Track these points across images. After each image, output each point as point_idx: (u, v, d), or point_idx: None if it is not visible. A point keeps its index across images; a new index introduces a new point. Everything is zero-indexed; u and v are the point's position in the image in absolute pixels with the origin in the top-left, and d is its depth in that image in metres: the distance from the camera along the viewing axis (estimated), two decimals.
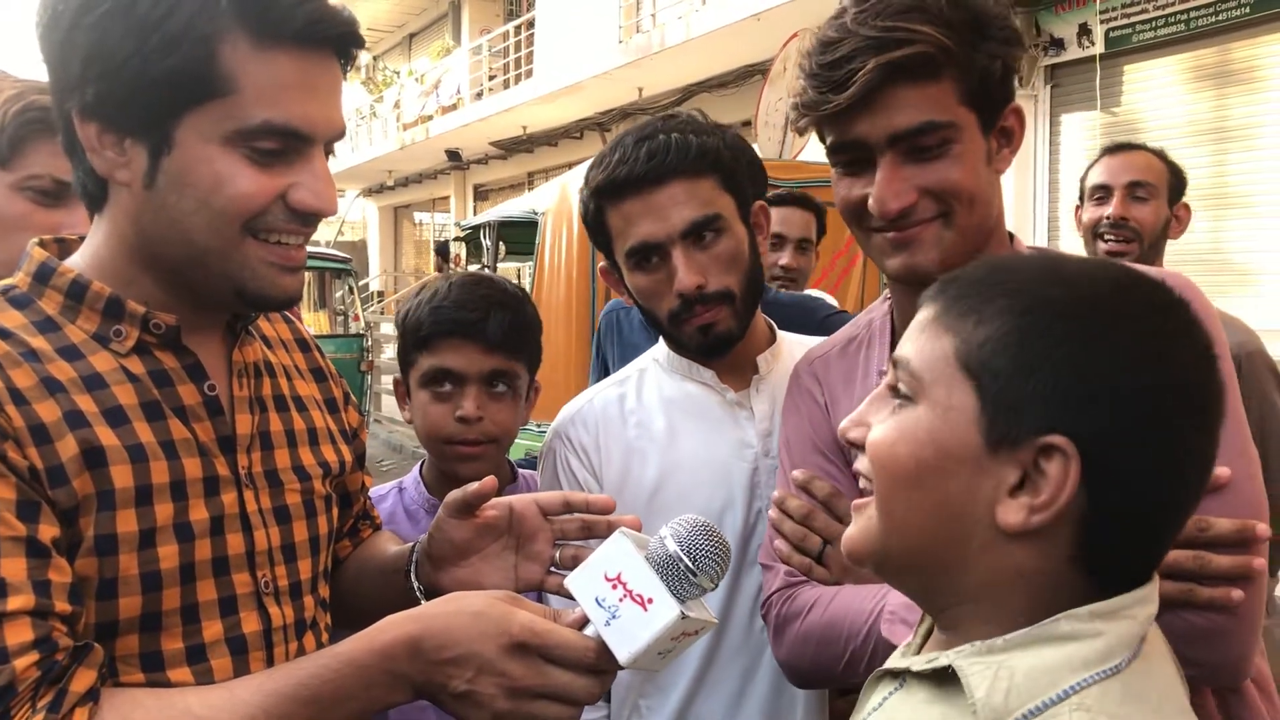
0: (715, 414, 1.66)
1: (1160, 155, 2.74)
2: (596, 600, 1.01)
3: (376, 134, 23.43)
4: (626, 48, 13.07)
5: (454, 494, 1.26)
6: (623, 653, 0.99)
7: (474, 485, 1.24)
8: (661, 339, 1.73)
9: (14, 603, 0.92)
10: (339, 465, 1.31)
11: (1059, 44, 8.55)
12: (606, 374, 2.62)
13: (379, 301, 21.67)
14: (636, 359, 1.80)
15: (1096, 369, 0.78)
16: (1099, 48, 8.16)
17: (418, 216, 27.41)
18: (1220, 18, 7.45)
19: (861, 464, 0.91)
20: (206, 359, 1.15)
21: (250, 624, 1.13)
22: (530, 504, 1.29)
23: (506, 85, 17.56)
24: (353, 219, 28.03)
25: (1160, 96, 8.07)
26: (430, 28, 24.06)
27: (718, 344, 1.60)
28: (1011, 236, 1.39)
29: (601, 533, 1.23)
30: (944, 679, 0.84)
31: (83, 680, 0.95)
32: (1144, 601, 0.82)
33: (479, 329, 1.73)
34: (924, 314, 0.89)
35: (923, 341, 0.87)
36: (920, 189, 1.26)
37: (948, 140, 1.25)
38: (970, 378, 0.82)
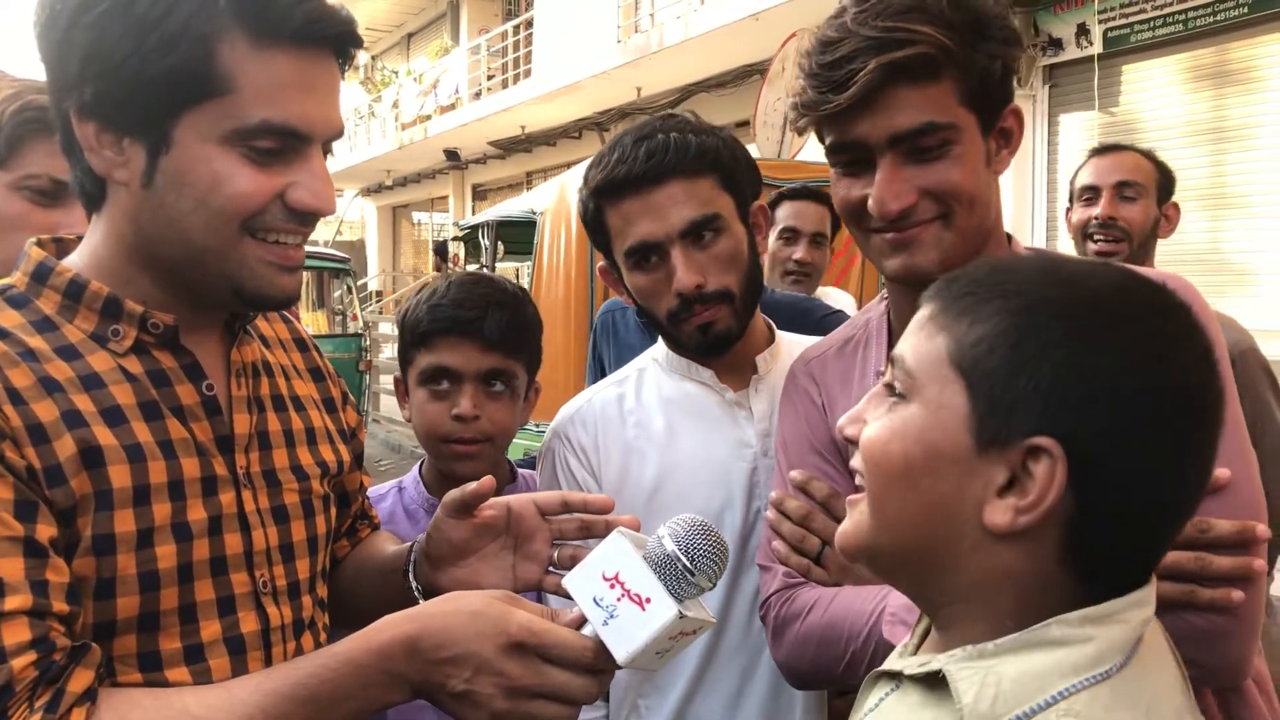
0: (714, 414, 1.66)
1: (1148, 155, 2.75)
2: (594, 600, 1.01)
3: (375, 134, 23.43)
4: (625, 47, 13.07)
5: (452, 494, 1.26)
6: (621, 652, 0.99)
7: (472, 485, 1.24)
8: (660, 339, 1.73)
9: (11, 603, 0.92)
10: (337, 465, 1.31)
11: (1057, 44, 8.56)
12: (603, 374, 2.62)
13: (377, 301, 21.67)
14: (636, 359, 1.80)
15: (1094, 370, 0.78)
16: (1097, 48, 8.17)
17: (416, 216, 27.41)
18: (1218, 18, 7.46)
19: (856, 460, 0.91)
20: (204, 359, 1.15)
21: (248, 624, 1.13)
22: (528, 504, 1.29)
23: (505, 85, 17.56)
24: (351, 219, 28.02)
25: (1158, 97, 8.07)
26: (429, 27, 24.05)
27: (717, 343, 1.60)
28: (1010, 237, 1.39)
29: (599, 532, 1.23)
30: (935, 683, 0.84)
31: (80, 680, 0.95)
32: (1139, 605, 0.82)
33: (476, 327, 1.73)
34: (922, 312, 0.89)
35: (918, 340, 0.87)
36: (920, 190, 1.26)
37: (948, 141, 1.24)
38: (962, 377, 0.82)
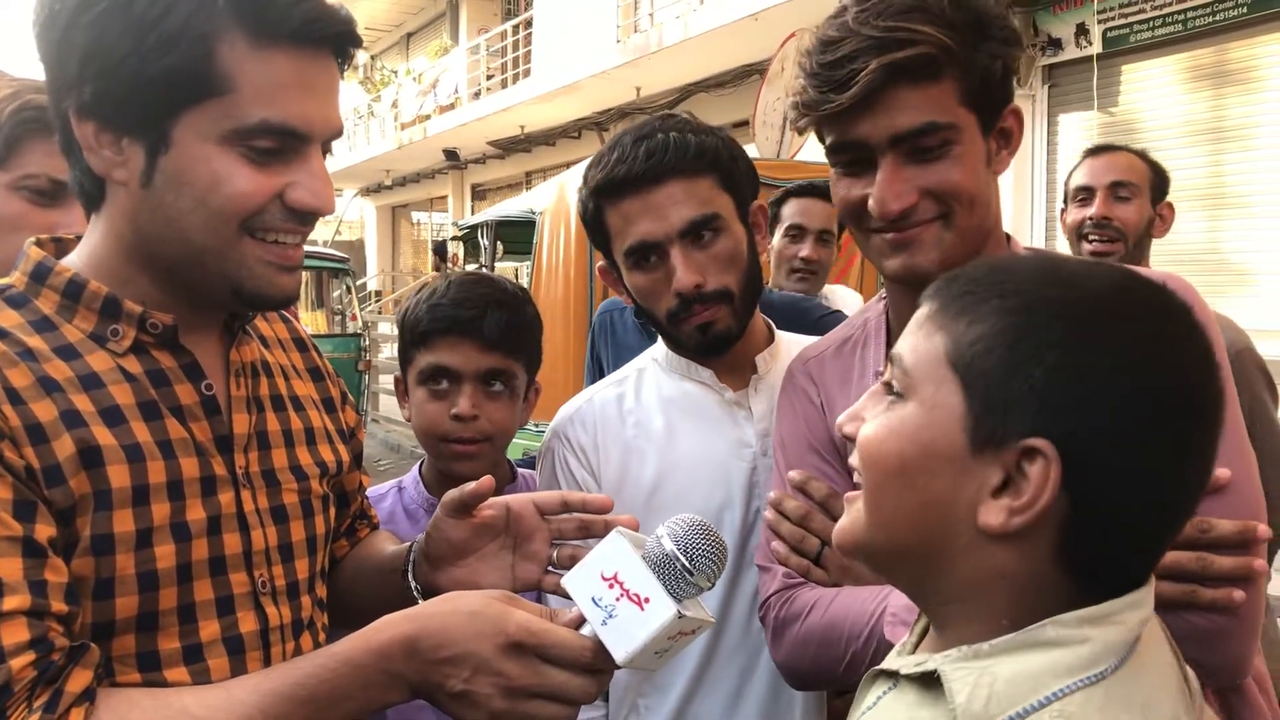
0: (714, 413, 1.66)
1: (1142, 155, 2.76)
2: (593, 600, 1.01)
3: (374, 133, 23.43)
4: (624, 47, 13.07)
5: (451, 493, 1.26)
6: (619, 652, 0.99)
7: (471, 485, 1.24)
8: (660, 338, 1.73)
9: (10, 603, 0.92)
10: (336, 465, 1.31)
11: (1056, 44, 8.57)
12: (600, 375, 2.62)
13: (376, 301, 21.68)
14: (635, 359, 1.80)
15: (1090, 371, 0.77)
16: (1096, 48, 8.17)
17: (415, 216, 27.41)
18: (1217, 18, 7.46)
19: (854, 458, 0.91)
20: (204, 358, 1.15)
21: (247, 624, 1.13)
22: (527, 504, 1.29)
23: (504, 85, 17.56)
24: (350, 218, 28.02)
25: (1157, 96, 8.08)
26: (428, 27, 24.04)
27: (716, 343, 1.60)
28: (1008, 237, 1.39)
29: (598, 532, 1.23)
30: (931, 682, 0.84)
31: (79, 680, 0.94)
32: (1136, 606, 0.82)
33: (475, 327, 1.73)
34: (921, 311, 0.89)
35: (917, 339, 0.87)
36: (921, 190, 1.26)
37: (949, 141, 1.24)
38: (958, 377, 0.82)
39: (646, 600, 0.99)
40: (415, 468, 1.94)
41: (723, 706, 1.62)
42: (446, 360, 1.75)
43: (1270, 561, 1.17)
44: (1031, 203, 8.84)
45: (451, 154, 20.35)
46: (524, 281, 6.94)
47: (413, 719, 1.62)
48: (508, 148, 18.40)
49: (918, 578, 0.89)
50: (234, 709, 0.98)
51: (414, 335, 1.79)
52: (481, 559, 1.28)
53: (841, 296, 3.61)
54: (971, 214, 1.28)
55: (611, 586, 1.00)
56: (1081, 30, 8.31)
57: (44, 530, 0.96)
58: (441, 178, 22.70)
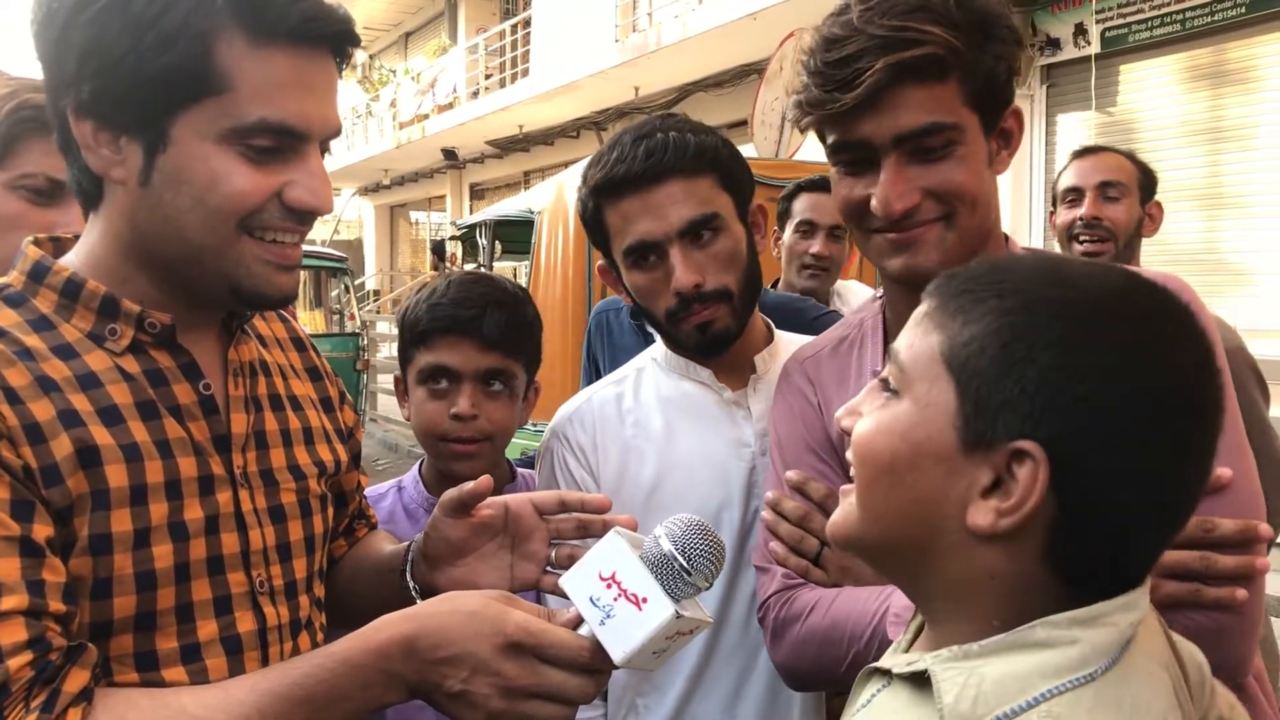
0: (713, 413, 1.66)
1: (1130, 156, 2.79)
2: (591, 599, 1.00)
3: (373, 133, 23.43)
4: (623, 47, 13.08)
5: (449, 493, 1.25)
6: (617, 652, 0.99)
7: (469, 484, 1.23)
8: (659, 338, 1.73)
9: (8, 602, 0.92)
10: (334, 464, 1.31)
11: (1055, 44, 8.58)
12: (596, 375, 2.62)
13: (375, 300, 21.68)
14: (635, 358, 1.80)
15: (1092, 371, 0.77)
16: (1095, 48, 8.18)
17: (414, 215, 27.41)
18: (1216, 18, 7.47)
19: (849, 453, 0.92)
20: (202, 358, 1.15)
21: (245, 624, 1.13)
22: (526, 503, 1.29)
23: (503, 84, 17.56)
24: (349, 218, 28.01)
25: (1156, 96, 8.09)
26: (426, 26, 24.04)
27: (715, 342, 1.60)
28: (1006, 238, 1.39)
29: (597, 532, 1.23)
30: (922, 682, 0.84)
31: (76, 680, 0.94)
32: (1128, 608, 0.81)
33: (475, 326, 1.73)
34: (920, 309, 0.89)
35: (914, 337, 0.87)
36: (924, 190, 1.25)
37: (952, 142, 1.24)
38: (952, 376, 0.82)
39: (644, 600, 0.98)
40: (415, 467, 1.94)
41: (721, 706, 1.62)
42: (446, 360, 1.75)
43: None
44: (1030, 203, 8.84)
45: (450, 153, 20.35)
46: (522, 281, 6.94)
47: (412, 719, 1.62)
48: (506, 147, 18.41)
49: (910, 573, 0.90)
50: (232, 709, 0.98)
51: (414, 335, 1.79)
52: (480, 559, 1.28)
53: (855, 292, 3.57)
54: (973, 214, 1.28)
55: (609, 586, 1.00)
56: (1080, 30, 8.32)
57: (42, 530, 0.96)
58: (440, 177, 22.70)
